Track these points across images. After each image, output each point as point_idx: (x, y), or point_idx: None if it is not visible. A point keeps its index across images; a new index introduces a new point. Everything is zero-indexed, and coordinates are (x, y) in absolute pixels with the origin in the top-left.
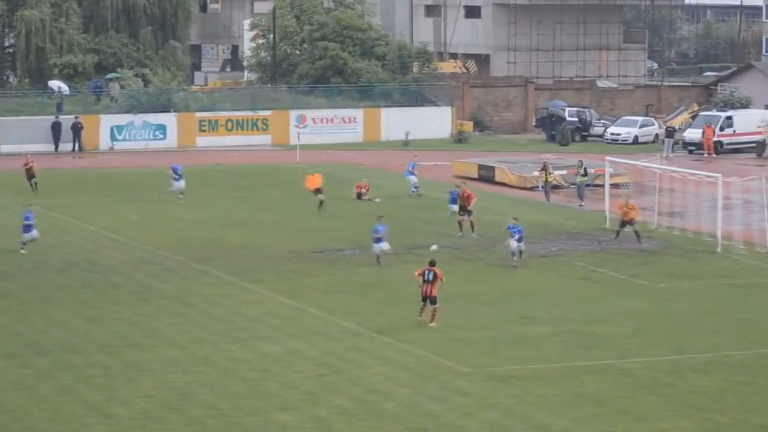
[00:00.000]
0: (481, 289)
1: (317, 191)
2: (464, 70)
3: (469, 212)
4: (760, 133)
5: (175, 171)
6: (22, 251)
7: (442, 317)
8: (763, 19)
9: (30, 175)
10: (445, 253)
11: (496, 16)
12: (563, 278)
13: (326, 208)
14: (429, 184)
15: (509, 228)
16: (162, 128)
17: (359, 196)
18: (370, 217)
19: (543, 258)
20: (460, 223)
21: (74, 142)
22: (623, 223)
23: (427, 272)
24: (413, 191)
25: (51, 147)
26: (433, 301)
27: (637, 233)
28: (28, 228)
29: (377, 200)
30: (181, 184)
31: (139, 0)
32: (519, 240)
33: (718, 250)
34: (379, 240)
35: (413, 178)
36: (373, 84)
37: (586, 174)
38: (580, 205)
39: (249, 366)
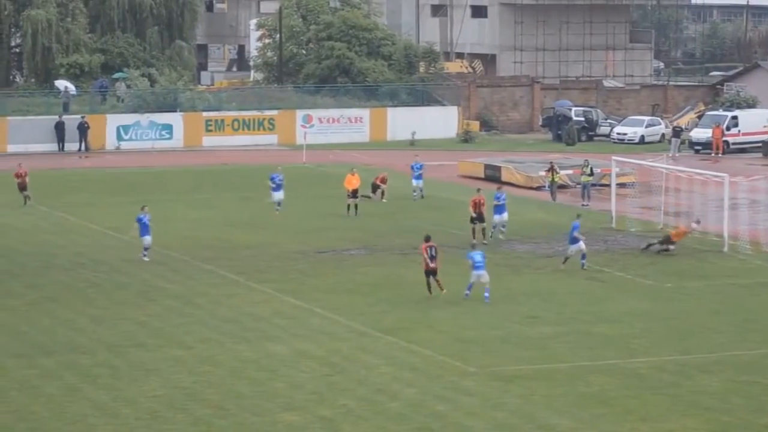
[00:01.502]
0: None
1: (354, 193)
2: (470, 70)
3: (482, 219)
4: (766, 132)
5: (273, 180)
6: (145, 258)
7: (447, 318)
8: None
9: (22, 187)
10: (452, 253)
11: (502, 15)
12: (569, 278)
13: (358, 211)
14: (435, 185)
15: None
16: (168, 128)
17: (374, 188)
18: (376, 217)
19: (549, 258)
20: (474, 230)
21: (81, 141)
22: (667, 240)
23: (430, 248)
24: (416, 195)
25: (56, 147)
26: (435, 272)
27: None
28: (144, 230)
29: (370, 196)
30: (280, 194)
31: (145, 0)
32: (573, 242)
33: (725, 250)
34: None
35: (419, 182)
36: (379, 84)
37: (591, 173)
38: (583, 205)
39: (255, 366)
